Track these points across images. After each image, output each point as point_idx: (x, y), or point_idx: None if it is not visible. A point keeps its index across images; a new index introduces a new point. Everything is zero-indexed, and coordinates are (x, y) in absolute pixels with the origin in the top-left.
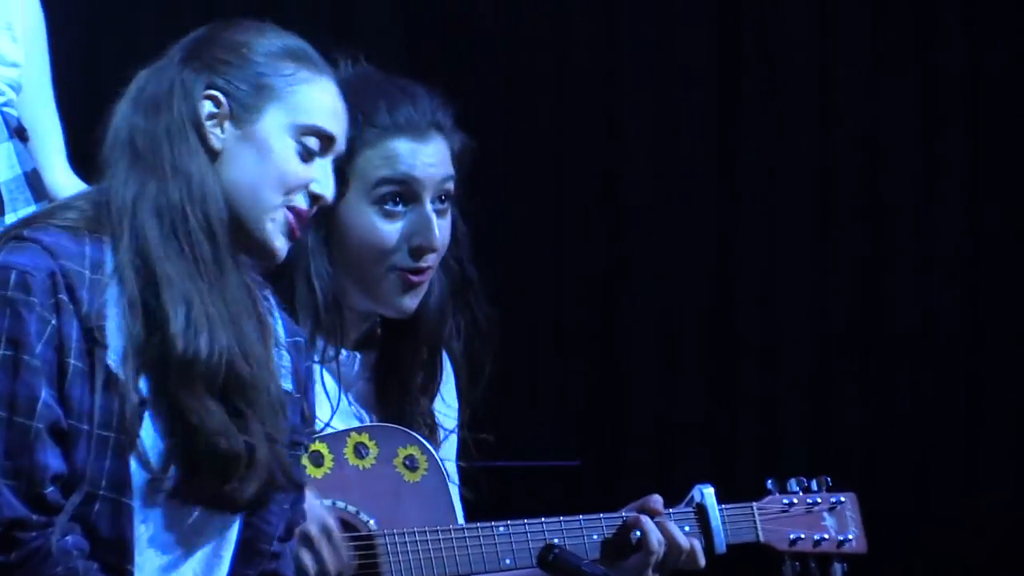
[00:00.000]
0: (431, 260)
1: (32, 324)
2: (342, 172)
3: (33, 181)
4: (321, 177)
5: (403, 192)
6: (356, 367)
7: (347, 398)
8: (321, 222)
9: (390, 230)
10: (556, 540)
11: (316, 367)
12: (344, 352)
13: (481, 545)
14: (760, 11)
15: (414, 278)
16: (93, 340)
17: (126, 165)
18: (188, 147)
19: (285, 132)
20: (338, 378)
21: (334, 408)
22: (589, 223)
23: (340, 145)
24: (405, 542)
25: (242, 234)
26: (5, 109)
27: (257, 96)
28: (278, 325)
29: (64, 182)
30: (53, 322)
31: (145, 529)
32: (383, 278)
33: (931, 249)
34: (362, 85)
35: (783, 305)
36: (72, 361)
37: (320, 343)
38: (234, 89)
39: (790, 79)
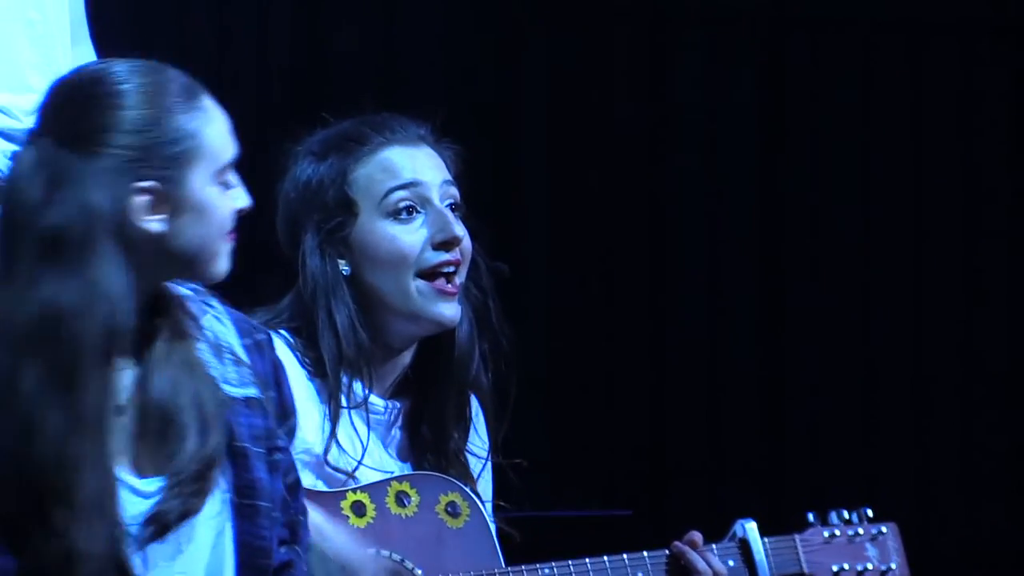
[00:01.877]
0: (457, 256)
1: None
2: (347, 199)
3: None
4: (239, 194)
5: (412, 197)
6: (395, 416)
7: (382, 447)
8: (342, 255)
9: (411, 234)
10: None
11: (344, 412)
12: (385, 402)
13: None
14: (804, 68)
15: (447, 286)
16: None
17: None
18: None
19: (209, 183)
20: (367, 421)
21: (364, 447)
22: (635, 274)
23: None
24: None
25: (196, 276)
26: None
27: (178, 167)
28: (228, 332)
29: None
30: None
31: None
32: (415, 290)
33: (975, 284)
34: (344, 125)
35: (830, 346)
36: None
37: (345, 382)
38: (159, 173)
39: (834, 127)
